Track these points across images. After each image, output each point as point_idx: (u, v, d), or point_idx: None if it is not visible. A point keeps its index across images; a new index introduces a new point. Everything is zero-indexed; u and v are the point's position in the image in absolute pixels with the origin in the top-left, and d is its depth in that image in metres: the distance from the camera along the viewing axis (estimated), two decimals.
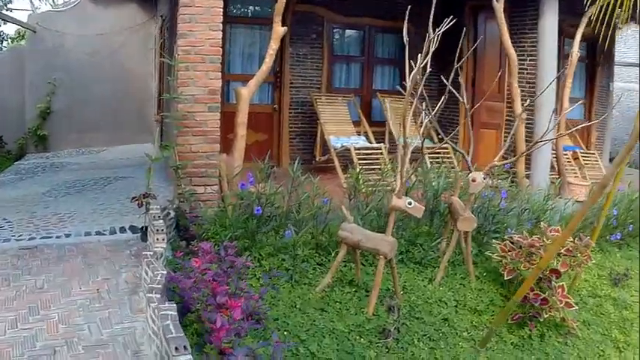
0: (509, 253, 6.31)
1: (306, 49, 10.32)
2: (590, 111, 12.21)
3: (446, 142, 6.60)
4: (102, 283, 5.15)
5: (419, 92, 5.81)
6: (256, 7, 10.32)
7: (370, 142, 9.96)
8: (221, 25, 6.58)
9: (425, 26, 11.34)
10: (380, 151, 9.39)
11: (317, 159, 10.08)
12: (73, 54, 13.25)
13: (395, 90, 11.15)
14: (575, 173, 10.22)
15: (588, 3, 7.99)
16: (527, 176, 8.82)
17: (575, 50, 9.49)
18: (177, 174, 6.38)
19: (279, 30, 7.04)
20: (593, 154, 11.61)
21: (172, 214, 6.20)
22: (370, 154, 9.33)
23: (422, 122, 6.08)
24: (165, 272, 4.54)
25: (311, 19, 10.26)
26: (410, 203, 5.43)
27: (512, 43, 8.96)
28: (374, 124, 10.57)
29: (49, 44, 13.12)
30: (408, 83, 5.54)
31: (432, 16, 5.54)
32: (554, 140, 9.12)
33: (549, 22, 8.74)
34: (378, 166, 9.17)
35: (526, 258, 6.16)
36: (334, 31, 10.96)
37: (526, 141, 8.77)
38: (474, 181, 6.15)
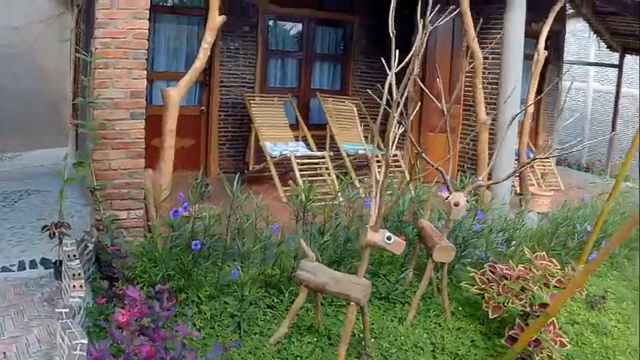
0: (491, 286, 5.45)
1: (239, 43, 9.12)
2: (538, 112, 11.54)
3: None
4: (9, 343, 4.03)
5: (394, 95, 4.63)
6: None
7: (311, 150, 8.89)
8: (148, 12, 5.37)
9: (373, 18, 10.68)
10: (323, 159, 8.34)
11: (251, 168, 8.93)
12: None
13: (336, 90, 10.21)
14: (534, 182, 9.55)
15: None
16: (488, 187, 7.99)
17: (542, 48, 8.80)
18: (95, 197, 5.13)
19: (216, 19, 5.90)
20: (548, 159, 10.94)
21: (91, 246, 4.99)
22: (312, 163, 8.28)
23: (397, 130, 4.89)
24: (85, 342, 3.46)
25: (244, 10, 9.01)
26: (389, 238, 4.43)
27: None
28: (313, 128, 9.51)
29: None
30: (386, 88, 4.41)
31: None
32: (517, 146, 8.45)
33: (517, 16, 7.82)
34: (322, 177, 8.19)
35: (516, 294, 5.30)
36: (270, 23, 9.78)
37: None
38: (456, 205, 5.14)
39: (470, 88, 9.04)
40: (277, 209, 6.22)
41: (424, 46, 9.65)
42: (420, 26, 4.58)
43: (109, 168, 5.26)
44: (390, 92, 4.34)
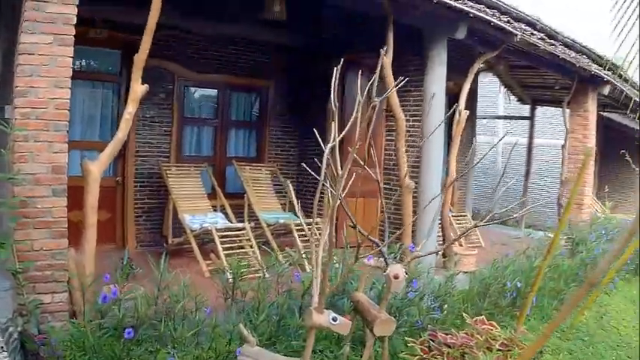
0: (434, 355, 5.29)
1: (155, 111, 8.81)
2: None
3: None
4: None
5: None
6: (95, 61, 8.69)
7: (231, 221, 8.60)
8: (70, 80, 5.04)
9: (289, 83, 10.59)
10: (244, 231, 8.06)
11: (170, 241, 8.53)
12: None
13: (252, 157, 10.01)
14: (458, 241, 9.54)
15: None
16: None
17: (462, 108, 8.85)
18: (18, 280, 4.68)
19: (138, 90, 5.60)
20: (465, 216, 10.98)
21: (16, 334, 4.52)
22: (233, 235, 7.98)
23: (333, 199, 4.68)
24: None
25: (160, 76, 8.73)
26: (335, 319, 4.18)
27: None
28: (229, 197, 9.19)
29: None
30: (325, 159, 4.23)
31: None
32: (440, 206, 8.41)
33: (437, 76, 7.89)
34: (244, 250, 7.91)
35: None
36: (186, 89, 9.53)
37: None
38: (396, 277, 4.94)
39: (388, 151, 9.01)
40: (202, 285, 5.87)
41: (337, 110, 9.85)
42: (333, 90, 4.49)
43: (32, 249, 4.80)
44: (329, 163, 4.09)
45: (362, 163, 4.72)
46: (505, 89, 15.32)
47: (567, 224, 10.54)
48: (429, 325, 6.06)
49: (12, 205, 4.71)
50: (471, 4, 7.31)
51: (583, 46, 9.77)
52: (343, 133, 4.44)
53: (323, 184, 9.57)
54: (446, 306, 6.40)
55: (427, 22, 7.84)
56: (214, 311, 5.22)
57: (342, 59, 9.59)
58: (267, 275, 7.14)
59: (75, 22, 4.98)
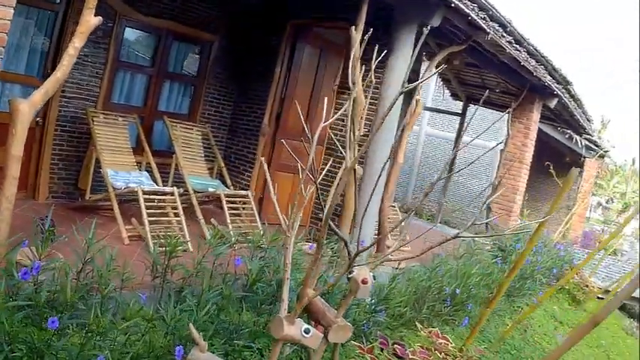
0: None
1: (89, 49, 7.82)
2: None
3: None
4: None
5: None
6: None
7: (157, 183, 7.82)
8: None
9: (233, 42, 9.79)
10: (173, 197, 7.30)
11: (87, 197, 7.65)
12: None
13: (182, 114, 9.21)
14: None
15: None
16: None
17: (419, 97, 8.43)
18: None
19: (91, 21, 4.80)
20: (394, 206, 10.54)
21: None
22: (159, 200, 7.22)
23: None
24: None
25: (101, 11, 7.70)
26: (307, 331, 3.61)
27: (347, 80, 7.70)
28: (155, 154, 8.33)
29: None
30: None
31: None
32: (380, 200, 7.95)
33: (401, 61, 7.33)
34: (168, 217, 7.20)
35: None
36: (126, 30, 8.53)
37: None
38: (364, 282, 4.35)
39: (334, 131, 8.45)
40: (122, 254, 5.17)
41: (282, 78, 9.21)
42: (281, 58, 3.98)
43: None
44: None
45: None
46: (441, 83, 15.01)
47: (494, 231, 10.50)
48: (372, 329, 5.63)
49: None
50: None
51: (543, 56, 9.50)
52: None
53: (253, 154, 9.10)
54: (386, 308, 5.93)
55: (402, 2, 7.31)
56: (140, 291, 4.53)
57: (292, 23, 9.20)
58: (191, 249, 6.51)
59: None
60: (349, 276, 4.31)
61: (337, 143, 4.48)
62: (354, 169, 3.94)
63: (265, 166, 3.94)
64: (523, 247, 9.53)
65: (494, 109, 14.08)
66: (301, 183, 3.92)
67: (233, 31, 9.65)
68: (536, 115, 11.86)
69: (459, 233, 3.37)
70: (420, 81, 3.48)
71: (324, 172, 4.37)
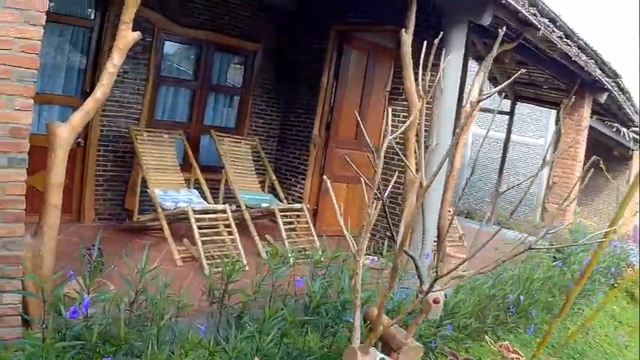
0: None
1: (128, 65, 7.52)
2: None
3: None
4: None
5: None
6: (79, 2, 7.36)
7: (207, 200, 7.47)
8: (44, 17, 3.86)
9: (277, 50, 9.44)
10: (225, 215, 6.94)
11: (135, 218, 7.33)
12: None
13: (230, 128, 8.88)
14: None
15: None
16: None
17: (475, 97, 7.97)
18: None
19: (129, 36, 4.47)
20: (449, 211, 10.10)
21: None
22: (211, 218, 6.87)
23: None
24: None
25: (138, 25, 7.43)
26: None
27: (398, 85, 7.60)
28: (203, 170, 7.95)
29: None
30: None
31: None
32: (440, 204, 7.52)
33: (455, 62, 6.94)
34: (221, 237, 6.87)
35: None
36: (165, 44, 8.23)
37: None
38: (436, 302, 3.96)
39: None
40: (176, 277, 4.80)
41: (331, 86, 8.85)
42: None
43: None
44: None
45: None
46: (489, 81, 14.55)
47: (551, 232, 10.06)
48: (439, 344, 5.34)
49: None
50: None
51: (592, 50, 9.11)
52: None
53: (305, 165, 8.73)
54: (451, 320, 5.57)
55: (451, 1, 7.00)
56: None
57: (337, 29, 8.84)
58: (246, 267, 6.16)
59: None
60: (419, 295, 3.92)
61: (403, 157, 4.14)
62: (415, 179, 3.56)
63: (329, 184, 3.52)
64: (579, 247, 9.13)
65: (543, 106, 13.66)
66: (369, 205, 3.49)
67: (276, 40, 9.32)
68: (586, 111, 11.45)
69: (532, 244, 3.06)
70: (492, 91, 3.07)
71: (389, 188, 3.94)
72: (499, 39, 3.39)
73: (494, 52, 7.90)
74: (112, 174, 7.71)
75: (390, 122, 3.40)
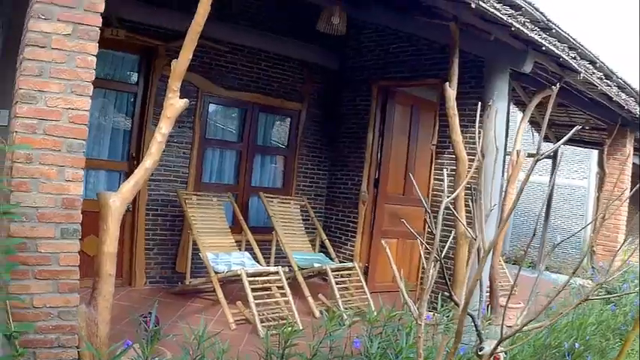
0: None
1: (174, 129, 7.52)
2: None
3: None
4: None
5: None
6: (108, 66, 7.42)
7: (259, 262, 7.38)
8: (91, 87, 3.87)
9: (321, 108, 9.45)
10: (278, 276, 6.85)
11: (187, 282, 7.27)
12: None
13: (277, 188, 8.85)
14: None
15: None
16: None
17: (519, 147, 7.97)
18: (14, 346, 3.44)
19: (177, 104, 4.45)
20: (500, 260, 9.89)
21: None
22: (265, 280, 6.79)
23: None
24: None
25: (182, 89, 7.47)
26: None
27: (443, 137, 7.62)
28: (253, 231, 7.85)
29: None
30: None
31: None
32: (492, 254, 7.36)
33: (499, 112, 6.91)
34: (275, 299, 6.77)
35: None
36: (210, 107, 8.31)
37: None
38: None
39: (436, 192, 8.00)
40: (231, 340, 4.70)
41: (379, 142, 8.80)
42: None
43: (32, 306, 3.59)
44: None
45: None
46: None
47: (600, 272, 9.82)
48: None
49: (6, 248, 3.49)
50: (544, 35, 6.43)
51: (632, 88, 9.00)
52: None
53: (354, 223, 8.63)
54: None
55: (492, 51, 6.98)
56: None
57: (379, 85, 8.83)
58: (301, 327, 6.02)
59: (102, 9, 3.82)
60: (480, 353, 3.74)
61: (454, 212, 4.04)
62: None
63: (386, 248, 3.40)
64: (630, 287, 8.81)
65: (585, 147, 13.45)
66: (427, 265, 3.36)
67: (319, 98, 9.36)
68: (629, 149, 11.22)
69: (589, 294, 2.89)
70: (552, 149, 2.95)
71: (446, 247, 3.80)
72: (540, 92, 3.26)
73: (534, 102, 7.91)
74: (161, 237, 7.72)
75: (446, 182, 3.26)
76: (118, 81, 7.53)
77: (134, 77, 7.70)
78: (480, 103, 6.69)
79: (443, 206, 3.05)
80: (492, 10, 5.72)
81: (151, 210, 7.59)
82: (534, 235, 3.02)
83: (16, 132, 3.59)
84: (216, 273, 6.71)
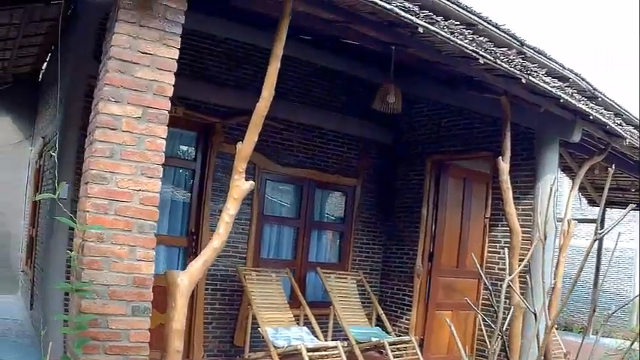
0: None
1: None
2: None
3: None
4: None
5: None
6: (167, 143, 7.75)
7: (317, 337, 7.42)
8: (161, 169, 4.06)
9: (376, 183, 9.57)
10: (336, 351, 6.87)
11: (247, 356, 7.35)
12: None
13: (333, 263, 8.94)
14: None
15: None
16: None
17: (569, 216, 8.06)
18: None
19: (243, 186, 4.63)
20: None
21: None
22: (324, 355, 6.81)
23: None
24: None
25: None
26: None
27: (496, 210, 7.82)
28: (311, 306, 7.92)
29: None
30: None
31: None
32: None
33: (549, 183, 7.08)
34: None
35: None
36: (267, 184, 8.52)
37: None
38: None
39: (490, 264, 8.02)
40: None
41: (434, 217, 8.86)
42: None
43: None
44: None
45: None
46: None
47: None
48: None
49: (78, 324, 3.64)
50: (591, 104, 6.60)
51: None
52: None
53: (410, 297, 8.64)
54: None
55: (541, 122, 7.15)
56: None
57: (433, 159, 8.95)
58: None
59: (171, 94, 4.03)
60: None
61: (521, 298, 4.09)
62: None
63: (452, 329, 3.44)
64: None
65: (633, 210, 13.25)
66: (489, 340, 3.41)
67: (374, 173, 9.50)
68: None
69: None
70: (611, 226, 3.00)
71: (506, 323, 3.84)
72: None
73: (583, 169, 7.93)
74: (220, 312, 7.83)
75: (507, 260, 3.33)
76: (177, 157, 7.80)
77: (192, 153, 7.96)
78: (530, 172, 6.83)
79: (505, 284, 3.10)
80: (542, 83, 5.85)
81: (210, 284, 7.73)
82: (594, 308, 3.05)
83: (87, 211, 3.77)
84: (275, 348, 6.76)
